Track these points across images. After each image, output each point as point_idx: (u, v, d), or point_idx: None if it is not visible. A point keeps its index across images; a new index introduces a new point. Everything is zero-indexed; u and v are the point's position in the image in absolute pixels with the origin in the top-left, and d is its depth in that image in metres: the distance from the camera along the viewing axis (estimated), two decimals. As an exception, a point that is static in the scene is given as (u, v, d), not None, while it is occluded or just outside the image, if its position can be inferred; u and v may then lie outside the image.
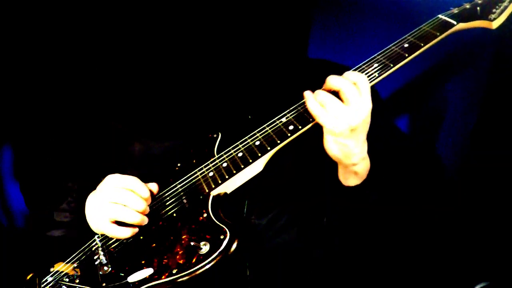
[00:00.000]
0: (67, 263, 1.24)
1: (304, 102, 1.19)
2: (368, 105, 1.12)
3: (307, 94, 1.16)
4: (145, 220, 1.17)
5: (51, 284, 1.21)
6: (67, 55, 1.51)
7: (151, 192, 1.20)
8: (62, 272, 1.22)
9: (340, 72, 1.20)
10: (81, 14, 1.49)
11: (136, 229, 1.18)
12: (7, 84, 1.56)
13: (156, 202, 1.24)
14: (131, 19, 1.45)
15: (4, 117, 1.59)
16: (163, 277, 1.11)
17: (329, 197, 1.29)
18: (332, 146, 1.15)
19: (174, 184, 1.26)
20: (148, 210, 1.18)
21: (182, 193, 1.24)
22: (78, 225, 1.23)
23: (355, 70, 1.21)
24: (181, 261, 1.12)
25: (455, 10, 1.28)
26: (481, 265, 1.40)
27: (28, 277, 1.25)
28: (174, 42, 1.41)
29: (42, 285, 1.22)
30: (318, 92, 1.15)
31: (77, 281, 1.19)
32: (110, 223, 1.17)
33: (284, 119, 1.20)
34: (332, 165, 1.22)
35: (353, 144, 1.13)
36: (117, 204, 1.15)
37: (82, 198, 1.23)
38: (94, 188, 1.22)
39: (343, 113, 1.10)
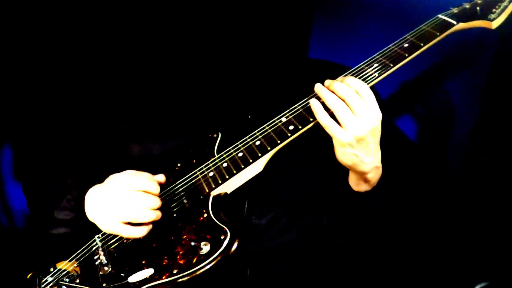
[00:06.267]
0: (67, 263, 1.24)
1: (304, 102, 1.19)
2: (376, 115, 1.11)
3: (316, 105, 1.15)
4: (159, 215, 1.17)
5: (51, 284, 1.21)
6: (67, 55, 1.51)
7: (161, 184, 1.20)
8: (62, 272, 1.22)
9: (340, 73, 1.20)
10: (81, 13, 1.48)
11: (150, 226, 1.17)
12: (7, 84, 1.56)
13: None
14: (132, 19, 1.44)
15: (4, 117, 1.59)
16: (163, 277, 1.11)
17: (329, 198, 1.29)
18: (343, 156, 1.14)
19: (174, 184, 1.25)
20: (160, 204, 1.17)
21: (182, 193, 1.24)
22: (79, 223, 1.23)
23: (355, 69, 1.21)
24: (181, 261, 1.12)
25: (455, 10, 1.28)
26: (481, 265, 1.40)
27: (28, 276, 1.25)
28: (175, 42, 1.41)
29: (42, 285, 1.22)
30: (327, 97, 1.13)
31: (77, 281, 1.19)
32: (123, 224, 1.16)
33: (284, 119, 1.20)
34: (337, 169, 1.22)
35: (363, 153, 1.12)
36: (133, 206, 1.14)
37: (81, 196, 1.22)
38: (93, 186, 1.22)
39: (349, 124, 1.09)
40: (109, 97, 1.46)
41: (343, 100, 1.11)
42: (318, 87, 1.17)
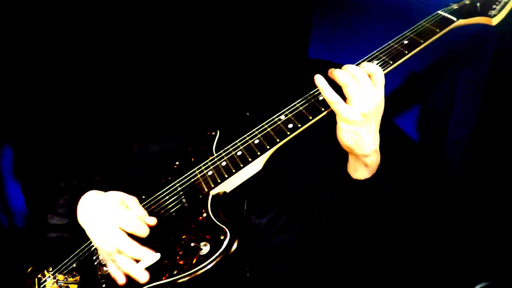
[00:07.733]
0: (66, 263, 1.23)
1: (303, 100, 1.19)
2: (380, 94, 1.12)
3: (321, 81, 1.16)
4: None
5: (50, 284, 1.21)
6: (67, 55, 1.51)
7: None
8: (61, 272, 1.22)
9: None
10: (81, 14, 1.49)
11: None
12: (7, 84, 1.56)
13: (155, 202, 1.23)
14: (131, 19, 1.44)
15: (4, 117, 1.59)
16: (163, 278, 1.10)
17: (334, 191, 1.28)
18: (345, 134, 1.14)
19: (173, 183, 1.25)
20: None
21: (181, 193, 1.23)
22: (72, 229, 1.22)
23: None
24: (181, 262, 1.11)
25: (455, 6, 1.28)
26: (481, 265, 1.40)
27: (28, 275, 1.25)
28: (173, 41, 1.41)
29: (42, 285, 1.22)
30: (339, 73, 1.14)
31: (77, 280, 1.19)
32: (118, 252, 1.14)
33: (283, 117, 1.19)
34: (338, 160, 1.22)
35: (365, 133, 1.13)
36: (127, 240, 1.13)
37: (75, 201, 1.21)
38: (89, 189, 1.22)
39: (356, 99, 1.10)
40: (109, 97, 1.46)
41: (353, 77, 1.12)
42: (330, 70, 1.16)
